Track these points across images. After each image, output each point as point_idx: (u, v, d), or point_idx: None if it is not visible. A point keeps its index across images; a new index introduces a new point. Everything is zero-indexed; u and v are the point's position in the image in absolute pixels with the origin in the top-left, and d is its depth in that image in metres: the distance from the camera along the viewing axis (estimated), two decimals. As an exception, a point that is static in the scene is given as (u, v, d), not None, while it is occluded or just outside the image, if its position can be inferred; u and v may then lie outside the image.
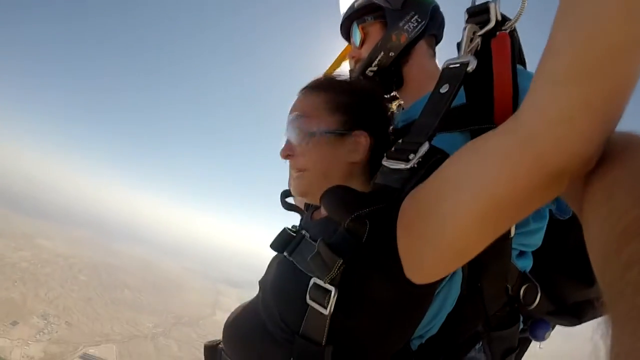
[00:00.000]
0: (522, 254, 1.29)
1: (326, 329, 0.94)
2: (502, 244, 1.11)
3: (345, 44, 1.85)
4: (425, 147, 0.95)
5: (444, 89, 1.02)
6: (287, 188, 1.64)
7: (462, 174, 0.77)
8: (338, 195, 1.04)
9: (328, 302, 0.92)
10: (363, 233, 0.94)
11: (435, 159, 0.93)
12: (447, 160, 0.84)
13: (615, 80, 0.55)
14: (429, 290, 1.01)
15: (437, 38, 1.64)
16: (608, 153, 0.62)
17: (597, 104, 0.56)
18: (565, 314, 1.49)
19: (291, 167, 1.28)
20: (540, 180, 0.65)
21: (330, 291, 0.92)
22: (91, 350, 71.85)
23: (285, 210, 1.68)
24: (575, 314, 1.50)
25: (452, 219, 0.77)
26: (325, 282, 0.93)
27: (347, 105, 1.23)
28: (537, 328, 1.47)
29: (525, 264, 1.29)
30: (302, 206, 1.60)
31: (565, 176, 0.64)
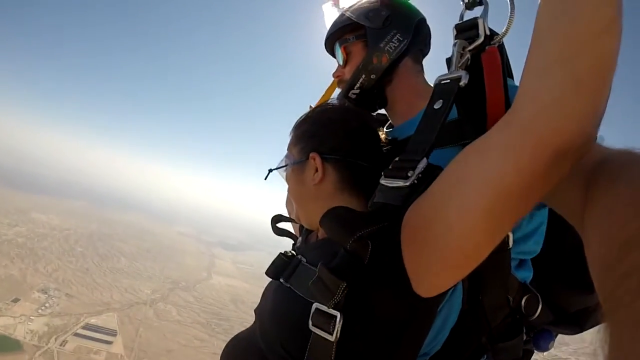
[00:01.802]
0: (521, 264, 1.29)
1: (333, 355, 0.92)
2: (501, 255, 1.11)
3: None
4: (423, 164, 0.95)
5: (438, 105, 1.02)
6: (278, 213, 1.67)
7: (464, 173, 0.78)
8: (338, 217, 1.03)
9: (334, 328, 0.90)
10: (365, 254, 0.93)
11: (433, 175, 0.92)
12: (447, 167, 0.85)
13: (598, 58, 0.59)
14: (435, 304, 1.01)
15: (424, 52, 1.62)
16: (608, 169, 0.66)
17: (584, 82, 0.59)
18: (567, 322, 1.49)
19: None
20: (544, 164, 0.66)
21: (335, 316, 0.91)
22: (93, 320, 73.54)
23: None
24: (577, 322, 1.50)
25: (459, 220, 0.77)
26: (329, 308, 0.92)
27: (304, 134, 1.29)
28: (540, 339, 1.46)
29: (526, 275, 1.29)
30: (294, 231, 1.67)
31: (567, 158, 0.66)
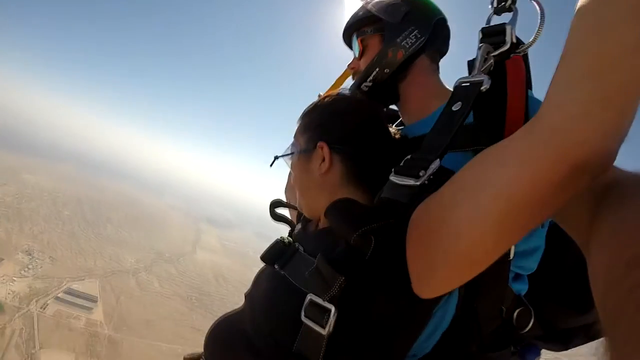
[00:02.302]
0: (517, 277, 1.28)
1: (323, 348, 0.90)
2: (502, 265, 1.11)
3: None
4: (436, 165, 0.94)
5: (456, 107, 1.00)
6: (277, 198, 1.65)
7: (479, 178, 0.76)
8: (344, 209, 1.03)
9: (327, 322, 0.88)
10: (367, 249, 0.92)
11: (445, 178, 0.90)
12: (460, 170, 0.83)
13: (629, 76, 0.58)
14: (431, 307, 1.00)
15: (442, 52, 1.60)
16: (618, 190, 0.66)
17: (613, 99, 0.59)
18: (553, 339, 1.49)
19: None
20: (562, 175, 0.65)
21: (329, 310, 0.89)
22: (75, 285, 74.00)
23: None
24: (563, 340, 1.50)
25: (469, 225, 0.76)
26: (324, 300, 0.90)
27: (312, 122, 1.29)
28: (527, 352, 1.44)
29: (521, 288, 1.28)
30: (293, 218, 1.63)
31: (585, 173, 0.65)
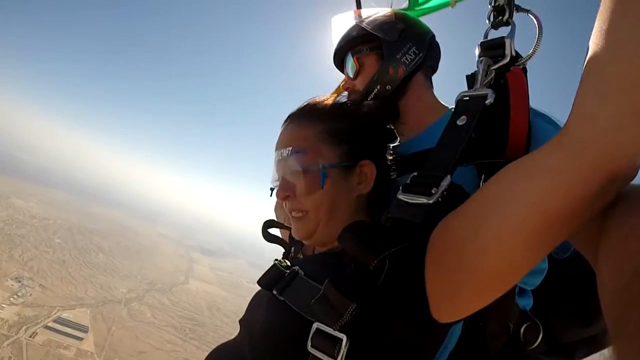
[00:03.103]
0: (522, 292, 1.26)
1: None
2: None
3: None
4: (447, 181, 0.91)
5: (462, 122, 0.99)
6: (271, 218, 1.60)
7: (506, 193, 0.74)
8: (364, 234, 0.96)
9: (338, 352, 0.83)
10: (381, 273, 0.87)
11: (457, 194, 0.90)
12: (484, 187, 0.81)
13: None
14: (446, 330, 0.96)
15: (433, 69, 1.62)
16: (626, 203, 0.66)
17: None
18: (557, 353, 1.47)
19: (289, 208, 1.19)
20: (594, 188, 0.64)
21: (340, 339, 0.84)
22: (65, 314, 72.17)
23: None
24: (567, 354, 1.48)
25: (496, 241, 0.73)
26: (334, 330, 0.85)
27: (348, 133, 1.17)
28: None
29: (526, 303, 1.26)
30: (285, 238, 1.54)
31: (615, 185, 0.65)
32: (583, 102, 0.64)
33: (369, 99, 1.49)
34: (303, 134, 1.18)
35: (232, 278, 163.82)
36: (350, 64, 1.59)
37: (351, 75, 1.60)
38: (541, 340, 1.25)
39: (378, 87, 1.49)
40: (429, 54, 1.53)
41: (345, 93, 1.64)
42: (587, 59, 0.63)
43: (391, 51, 1.50)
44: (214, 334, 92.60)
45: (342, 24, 1.72)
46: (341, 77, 1.81)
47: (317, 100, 1.26)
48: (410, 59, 1.49)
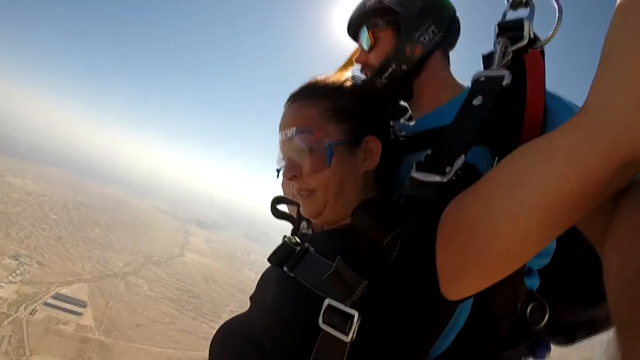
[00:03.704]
0: (529, 272, 1.25)
1: (345, 356, 0.85)
2: None
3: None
4: (461, 160, 0.91)
5: (478, 101, 0.99)
6: (279, 194, 1.57)
7: (521, 174, 0.73)
8: (375, 210, 0.96)
9: (350, 328, 0.84)
10: (393, 250, 0.87)
11: (471, 173, 0.89)
12: (497, 166, 0.80)
13: None
14: (454, 308, 0.97)
15: (452, 45, 1.55)
16: (635, 193, 0.66)
17: None
18: (559, 333, 1.47)
19: (296, 188, 1.18)
20: (611, 171, 0.64)
21: (352, 316, 0.84)
22: (63, 290, 73.23)
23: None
24: (568, 335, 1.49)
25: (510, 221, 0.73)
26: (346, 306, 0.86)
27: (351, 110, 1.15)
28: (538, 347, 1.39)
29: (533, 283, 1.26)
30: (294, 214, 1.53)
31: (631, 168, 0.65)
32: (601, 85, 0.64)
33: (383, 78, 1.47)
34: (307, 113, 1.15)
35: (226, 250, 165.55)
36: (365, 37, 1.53)
37: (365, 49, 1.54)
38: (547, 320, 1.25)
39: (393, 65, 1.45)
40: (448, 32, 1.47)
41: (357, 67, 1.61)
42: (606, 41, 0.63)
43: (409, 29, 1.43)
44: (210, 305, 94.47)
45: None
46: (348, 49, 1.79)
47: (319, 78, 1.24)
48: (429, 38, 1.43)
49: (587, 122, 0.66)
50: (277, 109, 1.27)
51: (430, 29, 1.42)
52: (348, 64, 1.82)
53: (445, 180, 0.90)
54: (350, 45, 1.71)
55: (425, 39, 1.42)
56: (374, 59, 1.49)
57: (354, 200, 1.10)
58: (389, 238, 0.87)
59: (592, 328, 1.48)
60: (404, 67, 1.44)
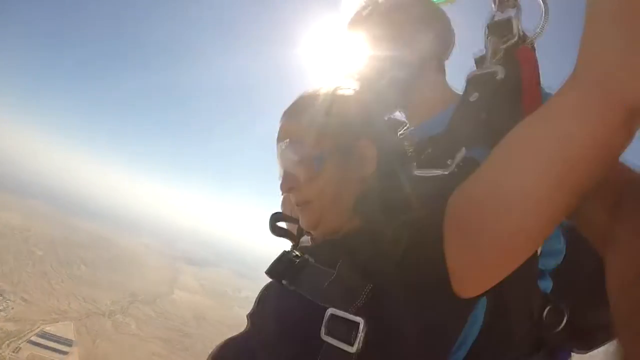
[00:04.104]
0: (541, 274, 1.23)
1: None
2: (530, 262, 0.97)
3: None
4: (462, 153, 0.91)
5: (474, 97, 0.99)
6: (277, 211, 1.55)
7: (525, 145, 0.71)
8: (379, 203, 0.97)
9: (355, 338, 0.78)
10: (397, 247, 0.84)
11: (472, 164, 0.88)
12: (500, 144, 0.78)
13: None
14: (467, 311, 0.90)
15: (446, 53, 1.61)
16: (634, 196, 0.66)
17: None
18: (577, 338, 1.42)
19: (294, 200, 1.17)
20: (616, 123, 0.62)
21: (357, 324, 0.79)
22: (49, 328, 70.67)
23: (273, 228, 1.45)
24: (588, 339, 1.44)
25: (520, 196, 0.70)
26: (350, 313, 0.81)
27: (342, 118, 1.15)
28: (557, 355, 1.37)
29: (545, 285, 1.24)
30: (294, 231, 1.49)
31: (636, 116, 0.63)
32: (588, 41, 0.64)
33: (381, 85, 1.48)
34: (298, 125, 1.16)
35: (217, 287, 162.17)
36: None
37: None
38: (564, 324, 1.21)
39: (390, 74, 1.47)
40: (443, 39, 1.54)
41: (352, 80, 1.58)
42: (586, 5, 0.63)
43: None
44: (201, 344, 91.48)
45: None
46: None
47: (310, 91, 1.24)
48: (428, 46, 1.48)
49: (582, 79, 0.65)
50: (268, 143, 1.27)
51: (429, 37, 1.49)
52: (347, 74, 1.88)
53: (447, 172, 0.90)
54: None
55: (424, 46, 1.48)
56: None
57: (351, 206, 1.09)
58: (393, 231, 0.85)
59: (609, 333, 1.36)
60: (402, 74, 1.48)
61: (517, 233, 0.72)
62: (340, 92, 1.21)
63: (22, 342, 63.20)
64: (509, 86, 1.07)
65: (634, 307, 0.48)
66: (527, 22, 1.16)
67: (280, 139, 1.18)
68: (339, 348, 0.80)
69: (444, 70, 1.59)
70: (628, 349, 0.47)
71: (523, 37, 1.12)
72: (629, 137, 0.65)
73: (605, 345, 1.43)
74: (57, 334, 70.35)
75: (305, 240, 1.33)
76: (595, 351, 1.46)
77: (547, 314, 1.18)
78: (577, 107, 0.65)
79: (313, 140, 1.11)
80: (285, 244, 1.42)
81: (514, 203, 0.70)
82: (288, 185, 1.14)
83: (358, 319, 0.80)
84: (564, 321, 1.20)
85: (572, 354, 1.46)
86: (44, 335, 68.13)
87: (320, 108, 1.16)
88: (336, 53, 1.74)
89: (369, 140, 1.12)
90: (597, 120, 0.63)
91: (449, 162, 0.90)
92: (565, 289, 1.33)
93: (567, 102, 0.67)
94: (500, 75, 1.00)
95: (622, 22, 0.58)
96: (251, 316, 1.16)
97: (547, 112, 0.70)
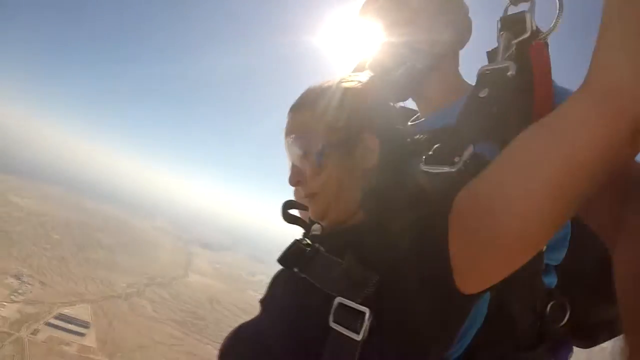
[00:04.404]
0: (546, 269, 1.23)
1: (356, 356, 0.82)
2: (535, 258, 1.00)
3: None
4: (470, 150, 0.91)
5: (484, 93, 0.99)
6: (290, 199, 1.57)
7: (531, 150, 0.73)
8: (385, 198, 0.98)
9: (361, 326, 0.82)
10: (403, 241, 0.87)
11: (480, 162, 0.88)
12: (506, 147, 0.80)
13: None
14: (470, 304, 0.93)
15: (462, 44, 1.58)
16: None
17: None
18: (581, 335, 1.43)
19: (303, 193, 1.21)
20: (621, 136, 0.63)
21: (363, 313, 0.83)
22: (66, 310, 71.69)
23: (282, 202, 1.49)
24: (591, 335, 1.44)
25: (524, 199, 0.71)
26: (357, 303, 0.84)
27: (345, 110, 1.16)
28: (559, 350, 1.36)
29: (550, 280, 1.24)
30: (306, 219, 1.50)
31: None
32: (601, 53, 0.64)
33: (398, 75, 1.47)
34: (303, 119, 1.18)
35: (231, 271, 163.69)
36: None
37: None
38: (567, 319, 1.22)
39: (407, 63, 1.46)
40: (460, 28, 1.50)
41: (368, 69, 1.57)
42: (603, 10, 0.63)
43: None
44: (215, 327, 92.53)
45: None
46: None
47: (315, 85, 1.25)
48: (445, 36, 1.46)
49: (592, 91, 0.66)
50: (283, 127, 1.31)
51: (446, 26, 1.45)
52: (357, 69, 1.83)
53: (454, 169, 0.90)
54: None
55: (441, 35, 1.44)
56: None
57: (357, 199, 1.11)
58: (399, 225, 0.87)
59: (614, 327, 1.41)
60: (417, 64, 1.45)
61: (519, 236, 0.74)
62: (344, 84, 1.21)
63: (40, 325, 64.15)
64: (520, 83, 1.06)
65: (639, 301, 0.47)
66: (541, 17, 1.14)
67: (287, 133, 1.21)
68: (346, 335, 0.83)
69: (458, 60, 1.56)
70: (634, 347, 0.47)
71: (536, 33, 1.10)
72: (635, 148, 0.66)
73: (607, 342, 1.44)
74: (75, 316, 71.38)
75: (317, 228, 1.34)
76: (597, 347, 1.47)
77: (550, 309, 1.18)
78: (586, 118, 0.65)
79: (317, 134, 1.14)
80: (299, 230, 1.47)
81: (517, 207, 0.72)
82: (295, 179, 1.18)
83: (364, 308, 0.82)
84: (567, 317, 1.21)
85: (574, 348, 1.44)
86: (61, 317, 69.25)
87: (324, 102, 1.17)
88: (352, 40, 1.71)
89: (372, 132, 1.13)
90: (604, 133, 0.63)
91: (456, 159, 0.90)
92: (569, 284, 1.32)
93: (576, 112, 0.67)
94: (512, 71, 1.00)
95: (637, 34, 0.57)
96: (263, 302, 1.20)
97: (556, 120, 0.71)
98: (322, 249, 1.07)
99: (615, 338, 1.42)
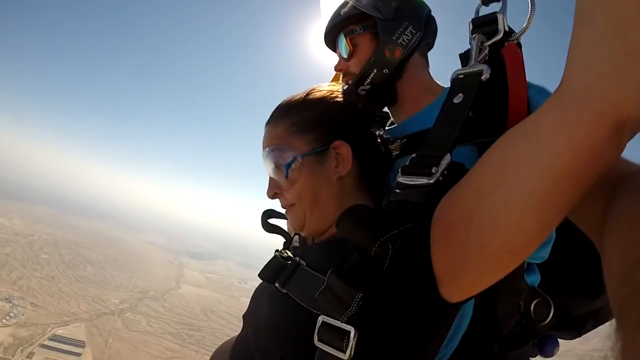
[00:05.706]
0: (528, 268, 1.24)
1: None
2: None
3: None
4: (447, 160, 0.89)
5: (458, 99, 0.98)
6: (270, 208, 1.52)
7: (509, 158, 0.71)
8: (362, 217, 0.93)
9: (347, 345, 0.80)
10: (385, 259, 0.84)
11: (458, 171, 0.87)
12: (485, 155, 0.77)
13: None
14: (456, 311, 0.91)
15: (430, 45, 1.55)
16: (632, 184, 0.65)
17: (638, 51, 0.56)
18: (566, 327, 1.44)
19: (281, 204, 1.22)
20: (602, 139, 0.62)
21: (348, 332, 0.81)
22: (60, 331, 71.03)
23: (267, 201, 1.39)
24: (576, 327, 1.46)
25: (506, 211, 0.69)
26: (342, 322, 0.82)
27: (312, 120, 1.16)
28: (546, 344, 1.38)
29: (534, 279, 1.25)
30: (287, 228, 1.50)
31: (624, 132, 0.62)
32: (576, 54, 0.63)
33: (365, 84, 1.44)
34: (276, 132, 1.18)
35: (223, 279, 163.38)
36: (344, 45, 1.49)
37: (345, 57, 1.51)
38: (552, 315, 1.23)
39: (375, 71, 1.43)
40: (426, 32, 1.46)
41: (339, 80, 1.57)
42: (575, 11, 0.62)
43: (387, 32, 1.41)
44: (212, 337, 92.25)
45: (332, 1, 1.62)
46: (328, 64, 1.70)
47: (288, 98, 1.25)
48: (408, 39, 1.41)
49: (569, 94, 0.64)
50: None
51: (408, 30, 1.42)
52: (336, 78, 1.80)
53: (432, 181, 0.88)
54: (331, 59, 1.66)
55: (404, 40, 1.41)
56: (355, 66, 1.48)
57: (333, 208, 1.11)
58: (376, 245, 0.85)
59: (598, 318, 1.45)
60: (385, 70, 1.43)
61: (502, 247, 0.72)
62: (314, 94, 1.22)
63: (35, 347, 63.51)
64: (494, 86, 1.05)
65: (632, 293, 0.49)
66: (515, 16, 1.12)
67: (263, 146, 1.21)
68: (332, 355, 0.82)
69: (427, 62, 1.53)
70: (627, 341, 0.47)
71: (509, 33, 1.09)
72: (618, 150, 0.65)
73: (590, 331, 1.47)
74: (69, 336, 70.65)
75: (297, 239, 1.34)
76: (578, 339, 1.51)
77: (534, 307, 1.20)
78: (564, 124, 0.64)
79: (288, 146, 1.14)
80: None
81: (499, 218, 0.70)
82: (272, 191, 1.18)
83: (349, 327, 0.81)
84: (551, 314, 1.22)
85: (559, 340, 1.45)
86: (56, 338, 68.47)
87: (294, 113, 1.18)
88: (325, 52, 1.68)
89: (343, 139, 1.13)
90: (585, 138, 0.62)
91: (433, 170, 0.89)
92: (555, 280, 1.34)
93: (554, 118, 0.66)
94: (486, 74, 0.98)
95: (617, 36, 0.57)
96: (246, 317, 1.19)
97: (534, 126, 0.70)
98: (303, 262, 1.07)
99: (601, 326, 1.46)
